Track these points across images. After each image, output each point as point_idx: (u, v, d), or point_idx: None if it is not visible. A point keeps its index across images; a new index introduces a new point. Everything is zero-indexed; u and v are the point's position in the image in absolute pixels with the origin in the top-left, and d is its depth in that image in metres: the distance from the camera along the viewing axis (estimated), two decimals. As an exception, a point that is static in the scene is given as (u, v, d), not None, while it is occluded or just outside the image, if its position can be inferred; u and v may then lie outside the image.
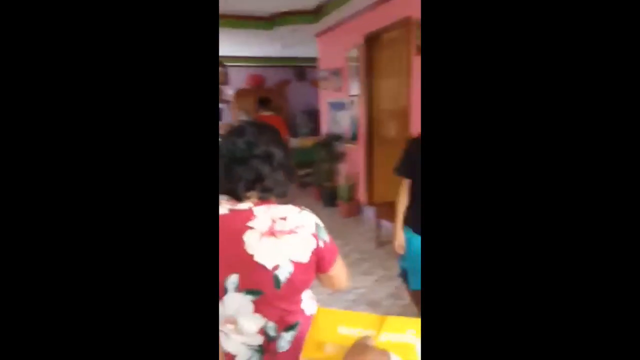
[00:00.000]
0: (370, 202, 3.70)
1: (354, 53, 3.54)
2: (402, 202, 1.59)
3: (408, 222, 1.57)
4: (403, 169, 1.55)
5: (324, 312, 0.64)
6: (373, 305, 2.18)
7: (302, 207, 0.78)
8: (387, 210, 2.83)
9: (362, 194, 3.82)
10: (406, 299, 2.22)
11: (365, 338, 0.51)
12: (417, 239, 1.53)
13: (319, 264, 0.76)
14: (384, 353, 0.48)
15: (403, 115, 3.05)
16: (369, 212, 3.60)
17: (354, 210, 3.85)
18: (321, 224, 0.78)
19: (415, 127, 2.83)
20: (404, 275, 1.64)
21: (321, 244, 0.75)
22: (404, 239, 1.61)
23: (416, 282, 1.57)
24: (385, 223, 2.96)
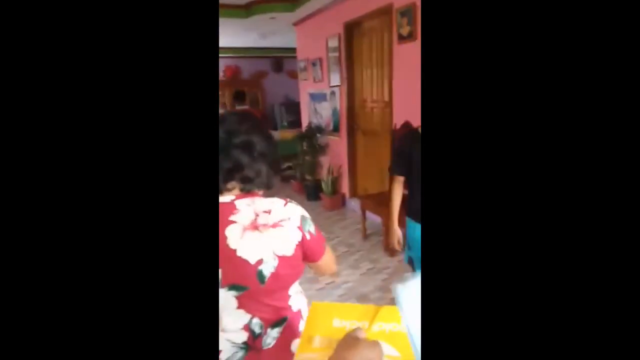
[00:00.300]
0: (354, 195, 3.67)
1: (334, 42, 3.46)
2: (397, 200, 1.60)
3: (410, 214, 1.60)
4: (397, 169, 1.57)
5: (319, 306, 0.63)
6: (362, 299, 2.16)
7: (288, 199, 0.76)
8: (372, 202, 2.81)
9: (345, 187, 3.78)
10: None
11: (356, 330, 0.51)
12: (416, 229, 1.56)
13: (306, 255, 0.75)
14: (375, 344, 0.48)
15: (386, 106, 3.01)
16: (353, 205, 3.57)
17: (338, 203, 3.81)
18: (307, 216, 0.76)
19: (398, 118, 2.80)
20: (412, 263, 1.67)
21: (307, 236, 0.74)
22: (401, 235, 1.64)
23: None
24: (370, 215, 2.94)
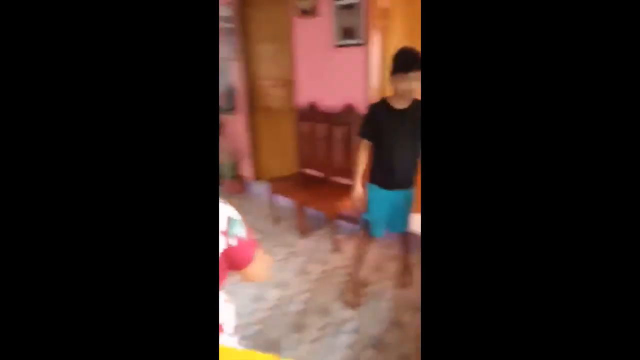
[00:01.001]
0: (258, 178, 3.51)
1: (226, 12, 3.12)
2: (362, 162, 1.69)
3: (373, 180, 1.70)
4: (366, 132, 1.65)
5: (221, 352, 0.52)
6: (282, 287, 2.10)
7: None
8: (283, 185, 2.72)
9: (247, 170, 3.58)
10: (315, 273, 2.22)
11: None
12: (380, 193, 1.69)
13: (232, 263, 0.66)
14: None
15: (287, 84, 2.90)
16: (259, 188, 3.42)
17: (239, 187, 3.59)
18: (236, 217, 0.65)
19: (302, 96, 2.73)
20: (367, 226, 1.81)
21: (232, 242, 0.64)
22: (362, 195, 1.72)
23: (378, 231, 1.80)
24: (280, 199, 2.85)
